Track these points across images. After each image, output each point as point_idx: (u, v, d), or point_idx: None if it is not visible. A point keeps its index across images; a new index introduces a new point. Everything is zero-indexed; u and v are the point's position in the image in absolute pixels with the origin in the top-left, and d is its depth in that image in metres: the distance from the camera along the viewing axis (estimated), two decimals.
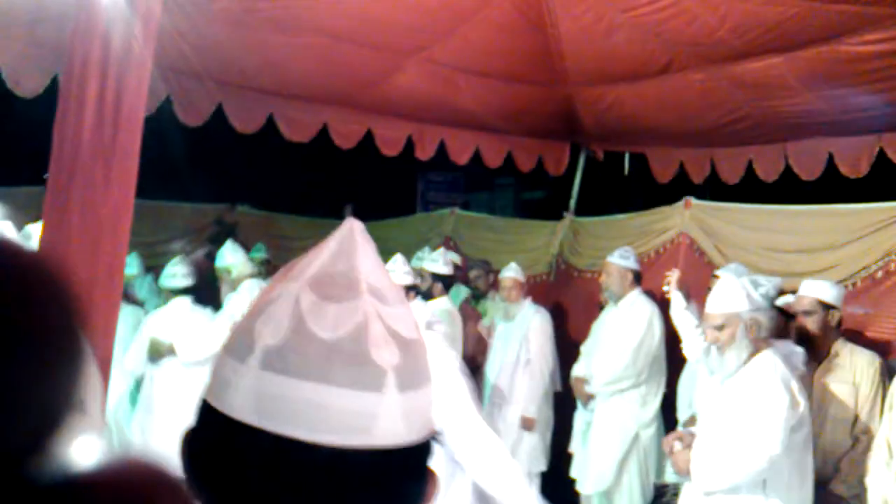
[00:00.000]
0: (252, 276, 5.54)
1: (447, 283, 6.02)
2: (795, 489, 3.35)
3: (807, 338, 4.02)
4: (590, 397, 5.36)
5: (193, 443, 0.81)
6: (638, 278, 5.35)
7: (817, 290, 4.10)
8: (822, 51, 4.16)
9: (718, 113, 5.31)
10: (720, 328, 3.46)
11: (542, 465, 5.85)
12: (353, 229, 0.87)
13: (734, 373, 3.47)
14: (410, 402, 0.80)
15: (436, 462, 0.84)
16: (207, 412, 0.80)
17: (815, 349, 3.99)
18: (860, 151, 5.08)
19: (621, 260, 5.30)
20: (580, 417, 5.55)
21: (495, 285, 6.67)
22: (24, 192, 6.91)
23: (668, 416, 5.10)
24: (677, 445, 3.63)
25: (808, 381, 3.88)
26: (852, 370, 3.91)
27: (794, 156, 5.52)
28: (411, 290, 5.11)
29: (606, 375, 5.18)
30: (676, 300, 4.74)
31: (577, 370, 5.59)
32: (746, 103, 5.04)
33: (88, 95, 2.63)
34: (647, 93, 5.29)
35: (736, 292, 3.50)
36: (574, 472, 5.49)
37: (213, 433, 0.79)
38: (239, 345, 0.80)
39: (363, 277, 0.82)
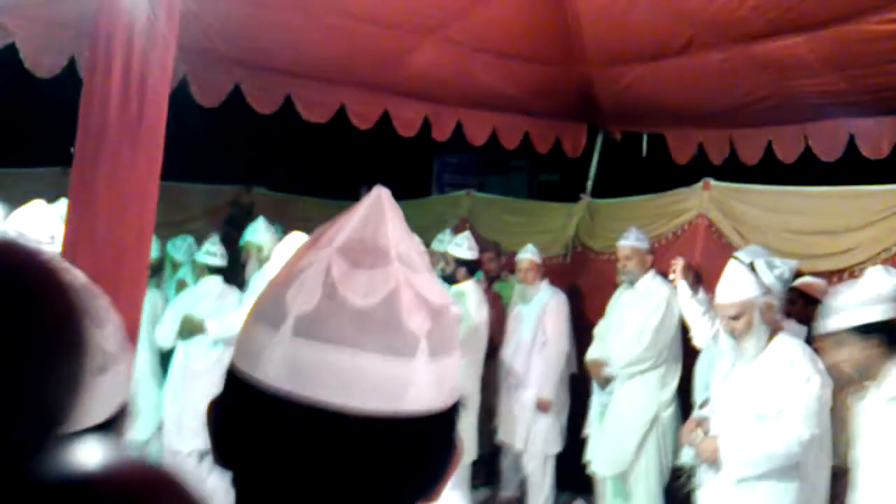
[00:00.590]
0: None
1: (471, 267, 6.00)
2: (823, 467, 3.35)
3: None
4: (608, 380, 5.34)
5: (221, 413, 0.81)
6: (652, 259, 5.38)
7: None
8: (843, 30, 4.11)
9: (738, 93, 5.25)
10: (736, 317, 3.44)
11: (557, 447, 5.86)
12: (381, 196, 0.87)
13: (754, 358, 3.46)
14: (441, 368, 0.80)
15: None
16: (236, 381, 0.80)
17: None
18: (881, 132, 5.04)
19: (639, 242, 5.33)
20: (596, 400, 5.53)
21: (506, 268, 6.68)
22: (40, 174, 6.97)
23: (684, 399, 5.09)
24: (700, 434, 3.61)
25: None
26: None
27: (815, 137, 5.47)
28: None
29: (626, 357, 5.17)
30: (682, 289, 4.74)
31: (593, 352, 5.58)
32: (767, 83, 4.99)
33: (114, 73, 2.64)
34: (666, 73, 5.24)
35: (745, 279, 3.48)
36: (589, 454, 5.49)
37: (242, 402, 0.79)
38: (271, 313, 0.80)
39: (392, 244, 0.82)
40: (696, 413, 4.00)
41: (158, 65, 2.71)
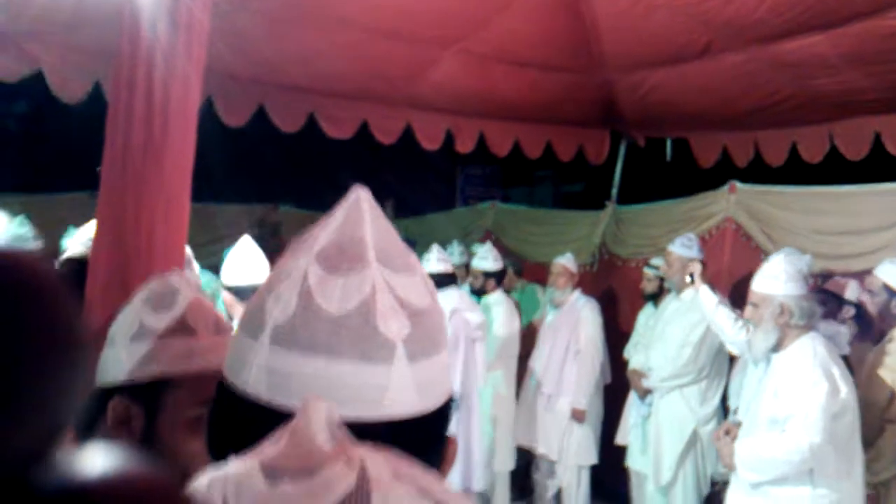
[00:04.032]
0: None
1: (499, 277, 6.00)
2: (844, 477, 3.26)
3: (868, 319, 3.96)
4: (647, 391, 5.28)
5: (212, 419, 0.83)
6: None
7: (888, 273, 4.03)
8: (863, 27, 4.07)
9: (760, 94, 5.22)
10: (755, 305, 3.42)
11: (592, 458, 5.81)
12: (359, 198, 0.86)
13: (762, 356, 3.43)
14: (422, 371, 0.79)
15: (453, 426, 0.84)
16: (224, 390, 0.81)
17: (872, 332, 3.92)
18: None
19: (683, 249, 5.03)
20: (635, 411, 5.46)
21: (525, 277, 6.71)
22: (69, 199, 7.07)
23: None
24: (727, 440, 3.58)
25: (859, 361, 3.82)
26: None
27: (840, 136, 5.42)
28: (442, 278, 5.13)
29: (667, 370, 5.03)
30: (706, 294, 4.48)
31: (635, 362, 5.51)
32: (789, 84, 4.96)
33: (137, 92, 2.67)
34: (687, 76, 5.23)
35: (778, 274, 3.43)
36: (634, 463, 5.42)
37: (228, 410, 0.80)
38: (252, 322, 0.81)
39: (371, 246, 0.82)
40: (730, 419, 3.96)
41: (182, 82, 2.74)
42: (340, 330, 0.76)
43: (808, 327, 3.39)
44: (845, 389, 3.23)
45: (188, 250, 3.06)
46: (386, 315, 0.78)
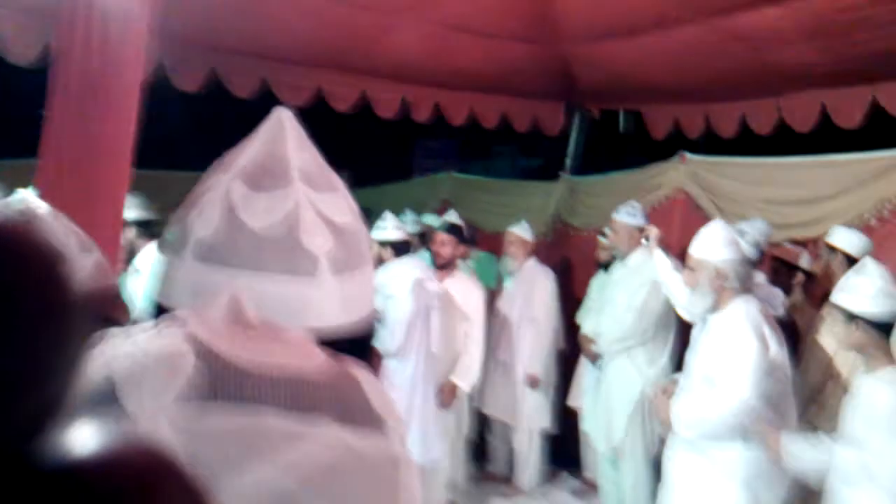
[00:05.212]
0: None
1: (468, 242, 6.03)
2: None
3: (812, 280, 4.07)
4: (597, 356, 5.37)
5: None
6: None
7: (842, 238, 4.15)
8: (817, 0, 4.14)
9: (714, 67, 5.28)
10: (692, 269, 3.52)
11: (545, 423, 5.91)
12: (281, 118, 0.87)
13: (699, 317, 3.56)
14: (346, 284, 0.81)
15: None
16: (155, 309, 0.81)
17: (818, 293, 4.03)
18: (854, 102, 5.07)
19: (627, 217, 5.16)
20: (590, 374, 5.56)
21: (478, 247, 6.73)
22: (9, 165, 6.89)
23: None
24: (660, 396, 3.68)
25: (801, 321, 3.92)
26: None
27: (788, 109, 5.51)
28: (400, 245, 5.12)
29: (613, 334, 5.14)
30: (660, 258, 4.57)
31: (586, 327, 5.61)
32: (743, 57, 5.01)
33: (77, 31, 2.63)
34: (642, 48, 5.26)
35: (715, 240, 3.53)
36: (587, 426, 5.51)
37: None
38: (174, 240, 0.82)
39: (293, 165, 0.83)
40: (667, 378, 4.06)
41: (122, 22, 2.69)
42: (264, 244, 0.78)
43: (744, 290, 3.50)
44: (775, 348, 3.34)
45: None
46: (309, 230, 0.79)
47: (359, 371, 0.70)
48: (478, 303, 5.37)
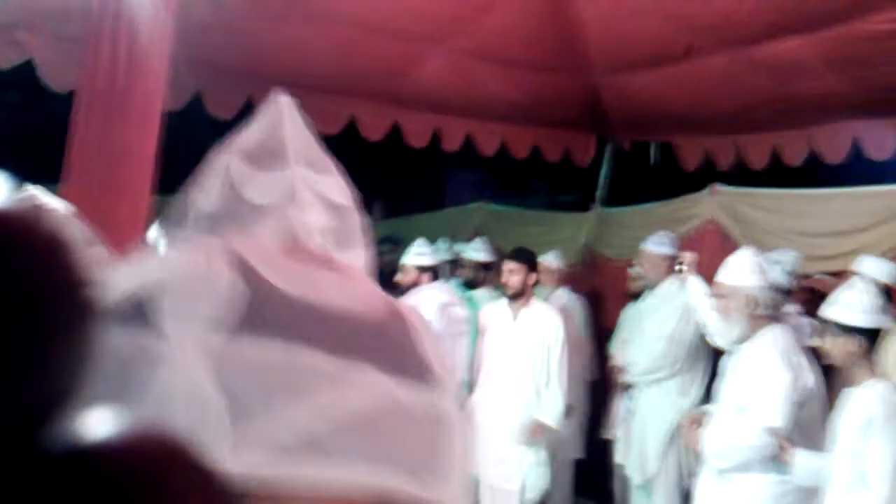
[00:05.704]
0: None
1: (487, 269, 6.06)
2: None
3: None
4: (627, 386, 5.32)
5: None
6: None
7: (871, 267, 4.10)
8: (843, 30, 4.14)
9: (743, 97, 5.29)
10: (722, 297, 3.49)
11: (578, 453, 5.85)
12: (279, 101, 0.91)
13: (733, 345, 3.51)
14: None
15: None
16: None
17: None
18: (885, 132, 5.04)
19: (655, 247, 5.12)
20: (622, 405, 5.50)
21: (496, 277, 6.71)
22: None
23: None
24: (690, 425, 3.64)
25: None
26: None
27: (820, 139, 5.48)
28: (427, 270, 5.15)
29: (644, 364, 5.10)
30: (694, 285, 4.51)
31: (617, 358, 5.57)
32: (770, 87, 5.02)
33: (102, 48, 2.71)
34: (670, 79, 5.29)
35: (746, 267, 3.51)
36: (619, 457, 5.45)
37: None
38: (175, 216, 0.82)
39: (290, 148, 0.83)
40: (697, 410, 4.01)
41: (148, 39, 2.76)
42: (261, 218, 0.78)
43: (774, 318, 3.47)
44: (808, 378, 3.31)
45: None
46: (306, 208, 0.80)
47: (413, 315, 0.70)
48: (558, 334, 4.98)
